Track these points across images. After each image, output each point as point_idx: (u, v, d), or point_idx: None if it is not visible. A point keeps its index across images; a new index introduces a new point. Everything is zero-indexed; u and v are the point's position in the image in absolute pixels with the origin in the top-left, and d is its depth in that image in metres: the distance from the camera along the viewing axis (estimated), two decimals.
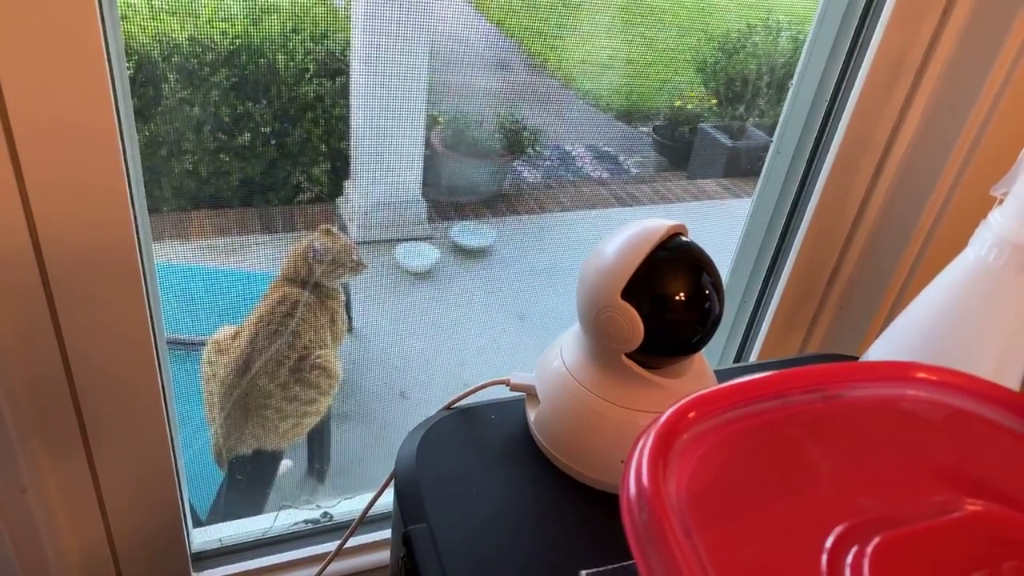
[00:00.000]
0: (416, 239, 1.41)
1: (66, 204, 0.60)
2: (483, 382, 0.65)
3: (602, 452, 0.57)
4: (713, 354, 1.08)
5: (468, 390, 0.65)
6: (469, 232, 1.50)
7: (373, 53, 1.09)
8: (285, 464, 1.23)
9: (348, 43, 1.12)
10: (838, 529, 0.37)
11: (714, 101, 1.60)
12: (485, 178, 1.49)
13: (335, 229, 1.10)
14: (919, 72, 0.83)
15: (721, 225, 1.29)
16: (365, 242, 1.33)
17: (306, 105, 1.15)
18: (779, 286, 0.96)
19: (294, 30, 1.11)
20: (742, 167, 1.66)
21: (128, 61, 0.65)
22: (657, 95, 1.61)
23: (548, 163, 1.59)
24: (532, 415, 0.62)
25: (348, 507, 1.00)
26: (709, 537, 0.35)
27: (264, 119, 1.13)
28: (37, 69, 0.55)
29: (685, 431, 0.40)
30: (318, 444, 1.30)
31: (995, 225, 0.54)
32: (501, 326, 1.50)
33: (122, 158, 0.61)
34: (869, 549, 0.35)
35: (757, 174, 0.98)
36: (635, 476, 0.37)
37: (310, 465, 1.30)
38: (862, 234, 0.92)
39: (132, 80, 0.89)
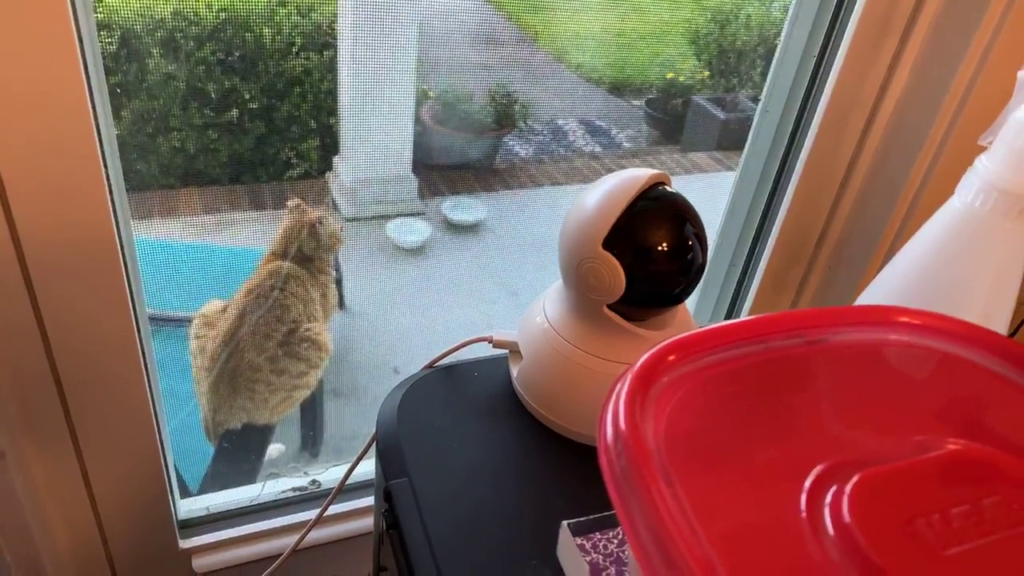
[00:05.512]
0: (407, 215, 1.40)
1: (40, 184, 0.60)
2: (466, 339, 0.64)
3: (584, 405, 0.57)
4: (702, 316, 1.08)
5: (450, 348, 0.64)
6: (461, 207, 1.49)
7: (361, 26, 1.07)
8: (277, 448, 1.23)
9: (335, 16, 1.11)
10: (817, 469, 0.36)
11: (706, 73, 1.59)
12: (476, 153, 1.48)
13: (303, 203, 1.09)
14: (907, 28, 0.82)
15: (714, 198, 1.28)
16: (355, 218, 1.33)
17: (293, 80, 1.13)
18: (767, 247, 0.96)
19: (280, 3, 1.10)
20: (735, 139, 1.65)
21: (111, 36, 0.63)
22: (649, 68, 1.59)
23: (540, 137, 1.58)
24: (515, 371, 0.61)
25: (336, 474, 1.00)
26: (688, 480, 0.35)
27: (251, 94, 1.11)
28: (5, 41, 0.54)
29: (664, 374, 0.40)
30: (310, 420, 1.30)
31: (982, 170, 0.53)
32: (493, 301, 1.49)
33: (96, 136, 0.60)
34: (848, 487, 0.35)
35: None
36: (612, 419, 0.37)
37: (303, 440, 1.30)
38: (850, 193, 0.91)
39: (115, 56, 0.87)
